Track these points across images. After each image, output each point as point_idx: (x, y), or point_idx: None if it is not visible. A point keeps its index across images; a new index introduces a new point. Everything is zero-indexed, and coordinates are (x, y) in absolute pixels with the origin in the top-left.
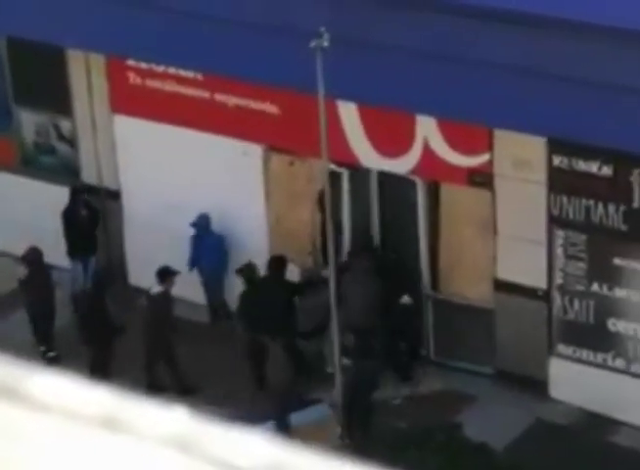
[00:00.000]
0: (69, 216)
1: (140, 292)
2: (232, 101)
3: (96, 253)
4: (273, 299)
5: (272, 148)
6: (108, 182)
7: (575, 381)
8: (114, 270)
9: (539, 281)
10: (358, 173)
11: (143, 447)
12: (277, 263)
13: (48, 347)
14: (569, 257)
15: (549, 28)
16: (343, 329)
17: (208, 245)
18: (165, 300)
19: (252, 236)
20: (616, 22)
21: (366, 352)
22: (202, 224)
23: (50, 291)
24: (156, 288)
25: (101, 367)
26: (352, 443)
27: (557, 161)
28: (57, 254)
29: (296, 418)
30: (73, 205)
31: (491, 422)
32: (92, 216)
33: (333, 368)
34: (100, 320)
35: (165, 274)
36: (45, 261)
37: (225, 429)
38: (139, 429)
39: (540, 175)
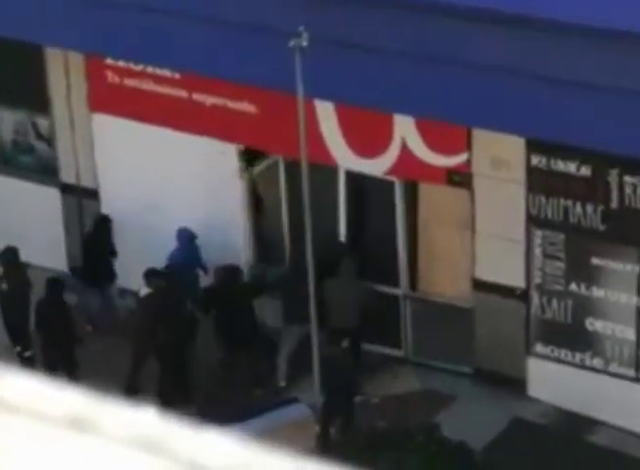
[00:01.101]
0: (92, 244)
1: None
2: (210, 100)
3: (114, 280)
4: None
5: (249, 148)
6: (85, 181)
7: (553, 380)
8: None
9: (517, 280)
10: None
11: (110, 448)
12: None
13: (24, 347)
14: (547, 256)
15: (528, 28)
16: (334, 333)
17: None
18: (155, 300)
19: (229, 237)
20: (594, 21)
21: (356, 354)
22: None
23: (25, 291)
24: (144, 289)
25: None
26: (330, 442)
27: (535, 160)
28: (34, 252)
29: (274, 417)
30: (97, 234)
31: (470, 421)
32: (111, 245)
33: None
34: (60, 326)
35: (152, 276)
36: (21, 261)
37: (194, 429)
38: (107, 430)
39: (519, 175)
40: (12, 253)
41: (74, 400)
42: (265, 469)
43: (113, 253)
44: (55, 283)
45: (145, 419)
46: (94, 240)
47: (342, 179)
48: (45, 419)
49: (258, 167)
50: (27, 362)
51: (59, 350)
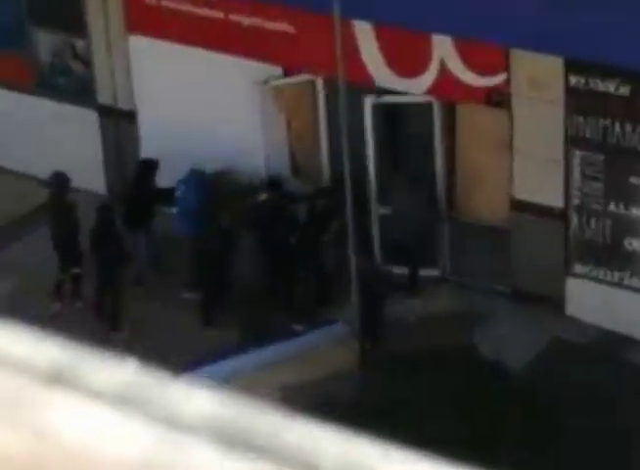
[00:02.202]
0: (134, 189)
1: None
2: (247, 21)
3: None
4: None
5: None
6: (123, 103)
7: (592, 299)
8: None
9: (556, 201)
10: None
11: (89, 403)
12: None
13: (73, 263)
14: (586, 176)
15: None
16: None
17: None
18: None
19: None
20: None
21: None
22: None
23: (73, 215)
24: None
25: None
26: (369, 361)
27: (574, 80)
28: (72, 175)
29: (314, 337)
30: (141, 178)
31: (508, 341)
32: (157, 192)
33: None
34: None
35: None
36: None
37: (175, 383)
38: (87, 384)
39: (557, 95)
40: (59, 178)
41: (53, 353)
42: (250, 428)
43: (158, 198)
44: (105, 209)
45: (126, 374)
46: (137, 185)
47: (368, 106)
48: (23, 371)
49: (279, 81)
50: (76, 279)
51: (111, 272)
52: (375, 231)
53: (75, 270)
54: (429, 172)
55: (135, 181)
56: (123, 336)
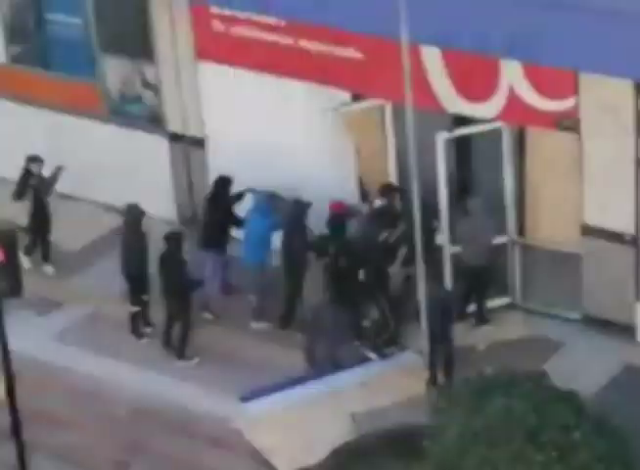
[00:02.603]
0: (212, 206)
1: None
2: (315, 47)
3: (226, 249)
4: None
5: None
6: (193, 130)
7: None
8: (196, 217)
9: (627, 226)
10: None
11: None
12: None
13: (141, 291)
14: None
15: None
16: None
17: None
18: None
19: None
20: None
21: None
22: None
23: (144, 244)
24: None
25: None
26: (438, 388)
27: None
28: (143, 202)
29: (384, 365)
30: (217, 194)
31: (579, 368)
32: (230, 212)
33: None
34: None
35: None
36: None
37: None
38: None
39: (627, 119)
40: (136, 210)
41: None
42: None
43: (236, 222)
44: (172, 236)
45: None
46: (213, 201)
47: (440, 141)
48: None
49: (347, 108)
50: (144, 304)
51: (178, 299)
52: (446, 263)
53: (144, 297)
54: (498, 198)
55: (211, 197)
56: (192, 364)
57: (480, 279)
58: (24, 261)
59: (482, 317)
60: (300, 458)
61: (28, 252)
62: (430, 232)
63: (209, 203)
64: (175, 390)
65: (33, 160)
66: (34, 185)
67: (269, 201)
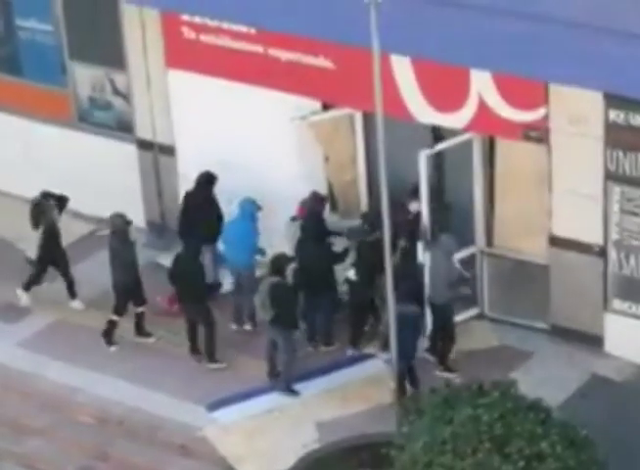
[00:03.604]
0: (190, 201)
1: None
2: (285, 56)
3: (214, 243)
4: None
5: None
6: (162, 138)
7: (631, 336)
8: (166, 224)
9: (595, 237)
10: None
11: None
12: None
13: (136, 302)
14: (625, 212)
15: None
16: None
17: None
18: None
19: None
20: None
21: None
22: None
23: (131, 250)
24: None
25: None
26: (405, 397)
27: (613, 115)
28: (111, 208)
29: (349, 373)
30: (197, 191)
31: (546, 378)
32: (213, 208)
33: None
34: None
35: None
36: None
37: None
38: None
39: (597, 130)
40: (121, 219)
41: None
42: None
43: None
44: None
45: None
46: (192, 197)
47: (422, 159)
48: None
49: (316, 117)
50: (140, 316)
51: (193, 303)
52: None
53: (140, 310)
54: (468, 208)
55: (194, 191)
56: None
57: (444, 316)
58: (23, 298)
59: (446, 366)
60: (267, 466)
61: (28, 287)
62: (397, 249)
63: (189, 197)
64: (142, 398)
65: (48, 196)
66: (49, 220)
67: (253, 205)
